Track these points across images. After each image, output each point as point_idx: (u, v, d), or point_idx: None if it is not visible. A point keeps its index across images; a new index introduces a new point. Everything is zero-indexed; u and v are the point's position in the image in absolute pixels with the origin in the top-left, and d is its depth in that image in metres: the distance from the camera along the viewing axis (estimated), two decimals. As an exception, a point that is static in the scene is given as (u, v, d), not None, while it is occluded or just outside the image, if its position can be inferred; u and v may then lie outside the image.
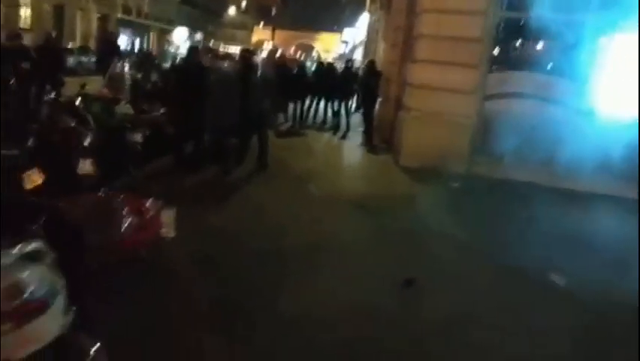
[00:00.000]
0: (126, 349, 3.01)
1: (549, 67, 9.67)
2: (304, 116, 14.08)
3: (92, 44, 24.74)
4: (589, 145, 7.63)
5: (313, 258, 5.18)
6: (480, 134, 9.19)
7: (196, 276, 4.52)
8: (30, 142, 4.61)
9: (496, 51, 9.79)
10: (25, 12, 23.29)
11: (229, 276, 4.58)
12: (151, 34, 37.76)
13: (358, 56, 25.31)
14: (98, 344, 2.17)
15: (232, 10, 54.96)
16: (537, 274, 5.11)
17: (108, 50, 16.69)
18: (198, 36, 41.76)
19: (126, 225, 3.81)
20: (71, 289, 2.01)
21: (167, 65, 14.87)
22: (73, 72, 13.59)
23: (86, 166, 4.85)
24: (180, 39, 40.79)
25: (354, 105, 14.97)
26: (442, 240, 6.00)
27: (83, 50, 20.61)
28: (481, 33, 9.10)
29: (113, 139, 6.18)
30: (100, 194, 4.25)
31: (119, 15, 31.53)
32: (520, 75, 9.73)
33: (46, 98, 6.12)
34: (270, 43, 47.28)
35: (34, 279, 1.81)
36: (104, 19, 29.71)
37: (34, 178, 4.00)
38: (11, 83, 7.15)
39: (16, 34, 13.14)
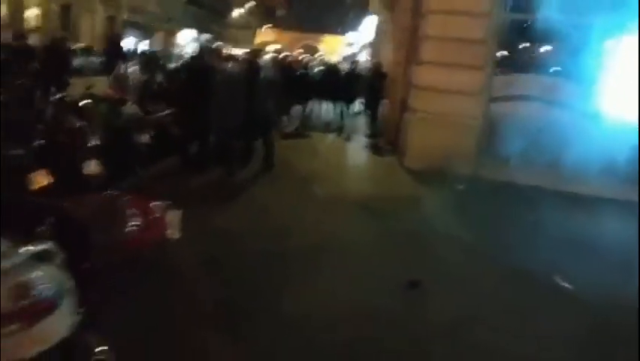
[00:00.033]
0: (131, 348, 3.02)
1: (555, 69, 9.63)
2: (309, 117, 14.08)
3: (99, 45, 24.79)
4: (595, 148, 7.60)
5: (317, 259, 5.19)
6: (486, 137, 9.16)
7: (200, 276, 4.54)
8: (36, 142, 4.63)
9: (502, 53, 9.76)
10: (32, 12, 23.38)
11: (233, 276, 4.59)
12: (157, 34, 37.83)
13: (364, 58, 25.28)
14: (105, 345, 2.18)
15: (237, 12, 54.99)
16: (542, 277, 5.10)
17: (114, 50, 16.76)
18: (204, 37, 41.80)
19: (132, 225, 3.82)
20: (78, 290, 2.02)
21: (172, 65, 14.87)
22: (79, 73, 13.62)
23: (91, 166, 4.86)
24: (186, 40, 40.86)
25: (359, 107, 14.97)
26: (446, 242, 5.98)
27: (89, 50, 20.65)
28: (487, 35, 9.08)
29: (119, 140, 6.20)
30: (106, 194, 4.26)
31: (125, 16, 31.61)
32: (527, 78, 9.70)
33: (51, 98, 6.13)
34: (275, 44, 47.33)
35: (44, 279, 1.82)
36: (110, 20, 29.80)
37: (40, 178, 4.01)
38: (19, 83, 7.17)
39: (21, 34, 13.22)
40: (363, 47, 29.21)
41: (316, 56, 22.23)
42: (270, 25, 58.45)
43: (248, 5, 56.20)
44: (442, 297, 4.60)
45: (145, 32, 35.04)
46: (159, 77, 10.74)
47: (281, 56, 14.89)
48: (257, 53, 11.03)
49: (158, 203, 4.26)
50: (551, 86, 9.29)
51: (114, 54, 15.93)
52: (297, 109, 13.54)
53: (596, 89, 8.99)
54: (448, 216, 6.95)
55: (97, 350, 2.15)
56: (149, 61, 11.24)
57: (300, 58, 16.66)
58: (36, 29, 21.98)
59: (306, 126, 13.39)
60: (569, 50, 8.99)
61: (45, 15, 23.85)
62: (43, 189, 3.90)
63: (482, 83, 9.22)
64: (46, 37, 17.16)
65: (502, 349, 3.85)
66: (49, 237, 2.26)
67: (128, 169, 6.27)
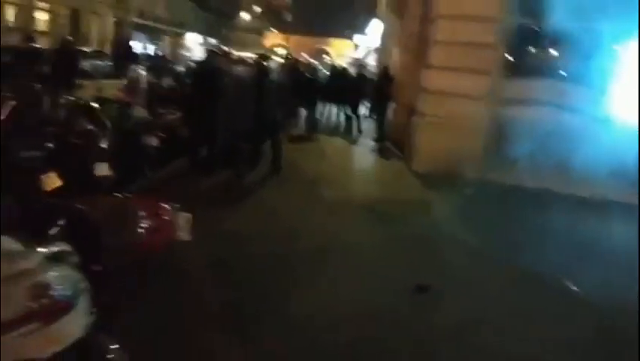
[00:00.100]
0: (140, 349, 3.04)
1: (565, 74, 9.62)
2: (317, 120, 14.11)
3: (108, 48, 24.92)
4: (603, 152, 7.58)
5: (325, 261, 5.20)
6: (494, 140, 9.16)
7: (208, 278, 4.56)
8: (48, 144, 4.66)
9: (512, 58, 9.76)
10: (41, 15, 23.54)
11: (241, 278, 4.61)
12: (165, 38, 38.01)
13: (371, 61, 25.31)
14: (117, 346, 2.20)
15: (246, 15, 55.20)
16: (550, 280, 5.10)
17: (123, 53, 16.87)
18: (212, 40, 41.96)
19: (142, 227, 3.84)
20: (92, 290, 2.04)
21: (181, 68, 14.95)
22: (88, 75, 13.70)
23: (102, 169, 4.89)
24: (194, 43, 41.04)
25: (366, 110, 14.99)
26: (454, 245, 5.98)
27: (98, 53, 20.79)
28: (496, 39, 9.10)
29: (129, 142, 6.24)
30: (116, 196, 4.28)
31: (134, 19, 31.77)
32: (537, 82, 9.69)
33: (62, 101, 6.18)
34: (283, 48, 47.47)
35: (60, 280, 1.85)
36: (119, 23, 29.96)
37: (52, 180, 4.04)
38: (30, 85, 7.22)
39: (29, 36, 13.33)
40: (371, 50, 29.23)
41: (324, 59, 22.27)
42: (277, 28, 58.63)
43: (256, 9, 56.38)
44: (448, 300, 4.60)
45: (153, 36, 35.22)
46: (168, 81, 10.82)
47: (289, 59, 14.94)
48: (265, 56, 11.08)
49: (167, 205, 4.28)
50: (561, 91, 9.29)
51: (123, 57, 16.03)
52: (304, 112, 13.57)
53: (606, 94, 8.97)
54: (456, 220, 6.95)
55: (110, 348, 2.17)
56: (158, 64, 11.31)
57: (308, 61, 16.71)
58: (45, 33, 22.14)
59: (314, 129, 13.43)
60: (578, 54, 8.99)
61: (54, 19, 24.00)
62: (55, 190, 3.93)
63: (491, 87, 9.23)
64: (55, 40, 17.30)
65: (508, 352, 3.86)
66: (63, 238, 2.29)
67: (138, 172, 6.31)
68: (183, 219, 4.21)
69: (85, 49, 18.27)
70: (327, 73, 16.92)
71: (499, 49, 9.22)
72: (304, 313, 4.10)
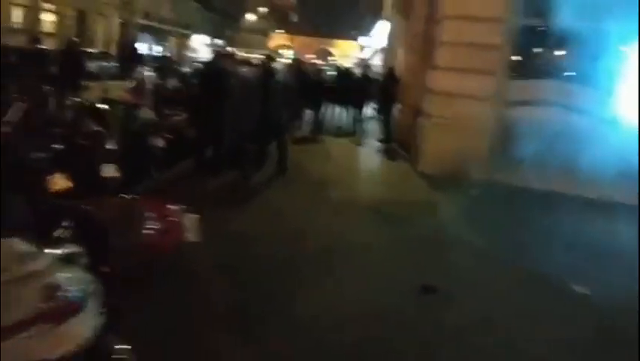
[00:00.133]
0: (146, 350, 3.05)
1: (573, 75, 9.60)
2: (322, 121, 14.11)
3: (113, 49, 25.02)
4: (610, 153, 7.56)
5: (330, 262, 5.19)
6: (501, 141, 9.14)
7: (214, 278, 4.57)
8: (55, 146, 4.68)
9: (519, 58, 9.75)
10: (48, 17, 23.66)
11: (247, 279, 4.61)
12: (171, 39, 38.13)
13: (376, 62, 25.30)
14: (127, 347, 2.21)
15: (251, 16, 55.29)
16: (556, 281, 5.08)
17: (129, 54, 16.94)
18: (218, 41, 42.07)
19: (150, 228, 3.85)
20: (100, 292, 2.05)
21: (187, 69, 14.99)
22: (94, 77, 13.77)
23: (108, 170, 4.91)
24: (199, 44, 41.16)
25: (372, 111, 14.98)
26: (460, 246, 5.97)
27: (104, 54, 20.87)
28: (502, 40, 9.08)
29: (135, 143, 6.26)
30: (123, 198, 4.30)
31: (140, 20, 31.88)
32: (543, 83, 9.67)
33: (68, 102, 6.21)
34: (288, 49, 47.51)
35: (70, 281, 1.86)
36: (124, 25, 30.07)
37: (60, 181, 4.05)
38: (37, 86, 7.26)
39: (34, 37, 13.42)
40: (376, 51, 29.22)
41: (329, 60, 22.28)
42: (282, 29, 58.69)
43: (261, 10, 56.45)
44: (454, 301, 4.58)
45: (159, 37, 35.33)
46: (174, 82, 10.85)
47: (294, 60, 14.95)
48: (271, 57, 11.10)
49: (174, 206, 4.29)
50: (569, 92, 9.26)
51: (129, 58, 16.10)
52: (310, 113, 13.58)
53: (613, 95, 8.94)
54: (462, 221, 6.94)
55: (117, 347, 2.18)
56: (164, 65, 11.35)
57: (313, 62, 16.72)
58: (52, 34, 22.25)
59: (319, 130, 13.43)
60: (585, 55, 8.96)
61: (61, 20, 24.12)
62: (63, 192, 3.94)
63: (497, 87, 9.21)
64: (61, 41, 17.38)
65: (514, 353, 3.86)
66: (72, 239, 2.30)
67: (145, 173, 6.33)
68: (190, 220, 4.22)
69: (91, 50, 18.37)
70: (333, 74, 16.94)
71: (505, 49, 9.20)
72: (310, 314, 4.10)
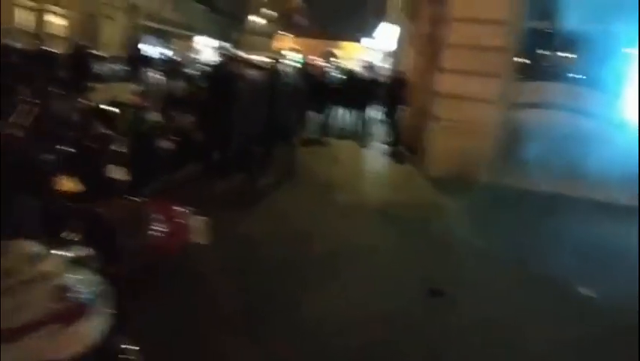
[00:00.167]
0: (152, 351, 3.07)
1: (580, 78, 9.57)
2: (328, 124, 14.10)
3: (121, 52, 25.13)
4: (617, 156, 7.54)
5: (337, 265, 5.20)
6: (508, 144, 9.12)
7: (220, 281, 4.58)
8: (63, 148, 4.70)
9: (526, 61, 9.73)
10: (56, 20, 23.80)
11: (253, 282, 4.63)
12: (177, 41, 38.22)
13: (382, 64, 25.28)
14: (134, 348, 2.23)
15: (256, 18, 55.35)
16: (562, 284, 5.07)
17: (136, 57, 17.01)
18: (224, 44, 42.14)
19: (157, 231, 3.87)
20: (109, 293, 2.07)
21: (195, 72, 15.02)
22: (101, 79, 13.82)
23: (117, 172, 4.93)
24: (205, 47, 41.22)
25: (379, 113, 14.95)
26: (467, 249, 5.96)
27: (111, 57, 20.96)
28: (509, 42, 9.07)
29: (142, 146, 6.27)
30: (131, 200, 4.31)
31: (146, 23, 31.98)
32: (551, 85, 9.65)
33: (76, 104, 6.24)
34: (293, 51, 47.50)
35: (79, 282, 1.87)
36: (131, 28, 30.18)
37: (67, 184, 4.08)
38: (45, 89, 7.30)
39: (43, 40, 13.51)
40: (382, 54, 29.20)
41: (335, 62, 22.24)
42: (288, 31, 58.68)
43: (266, 12, 56.51)
44: (461, 304, 4.58)
45: (166, 39, 35.43)
46: (182, 84, 10.86)
47: (302, 63, 14.95)
48: (278, 60, 11.12)
49: (182, 209, 4.31)
50: (575, 94, 9.24)
51: (136, 61, 16.17)
52: (316, 116, 13.56)
53: (620, 98, 8.91)
54: (469, 224, 6.94)
55: (125, 348, 2.19)
56: (171, 68, 11.38)
57: (320, 65, 16.70)
58: (60, 37, 22.37)
59: (326, 133, 13.42)
60: (593, 57, 8.94)
61: (69, 23, 24.25)
62: (71, 194, 3.97)
63: (504, 90, 9.20)
64: (69, 44, 17.48)
65: (520, 355, 3.85)
66: (81, 241, 2.32)
67: (152, 175, 6.34)
68: (199, 222, 4.23)
69: (98, 53, 18.44)
70: (339, 76, 16.89)
71: (512, 52, 9.18)
72: (316, 317, 4.11)
